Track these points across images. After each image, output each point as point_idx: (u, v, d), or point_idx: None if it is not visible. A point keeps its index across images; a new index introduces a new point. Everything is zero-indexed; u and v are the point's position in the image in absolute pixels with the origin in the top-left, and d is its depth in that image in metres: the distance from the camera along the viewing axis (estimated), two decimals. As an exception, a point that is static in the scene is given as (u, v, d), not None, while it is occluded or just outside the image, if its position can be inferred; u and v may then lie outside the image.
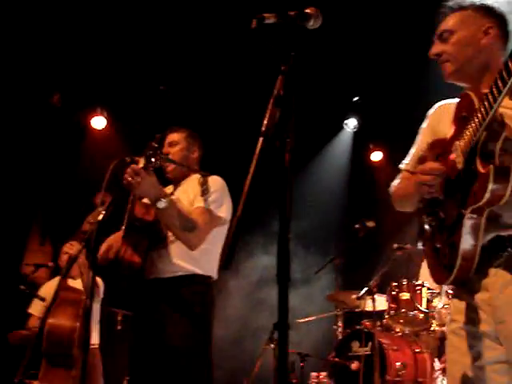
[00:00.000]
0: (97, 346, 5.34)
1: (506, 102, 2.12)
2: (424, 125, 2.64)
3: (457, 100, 2.36)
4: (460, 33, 2.39)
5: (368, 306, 5.81)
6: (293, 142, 1.78)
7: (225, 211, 3.61)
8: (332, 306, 6.66)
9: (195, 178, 3.71)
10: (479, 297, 2.18)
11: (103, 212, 3.28)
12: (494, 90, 1.94)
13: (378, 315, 5.68)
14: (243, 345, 7.63)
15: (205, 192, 3.54)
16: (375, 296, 5.65)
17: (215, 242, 3.60)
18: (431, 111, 2.66)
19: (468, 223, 2.05)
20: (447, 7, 2.45)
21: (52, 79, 7.58)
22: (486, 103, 1.99)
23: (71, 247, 4.86)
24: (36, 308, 5.78)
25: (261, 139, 1.74)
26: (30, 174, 7.93)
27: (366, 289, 5.58)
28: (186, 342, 3.38)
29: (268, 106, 1.80)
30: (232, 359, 7.25)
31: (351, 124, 8.49)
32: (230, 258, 1.62)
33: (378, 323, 5.69)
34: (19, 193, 7.92)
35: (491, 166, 1.96)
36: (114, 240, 3.64)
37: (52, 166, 8.11)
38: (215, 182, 3.69)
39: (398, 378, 5.34)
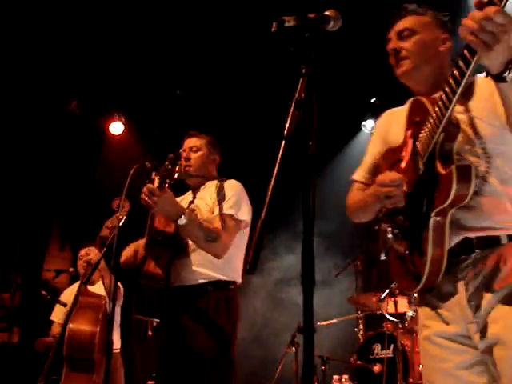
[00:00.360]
0: (118, 350, 5.37)
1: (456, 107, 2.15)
2: (373, 134, 2.66)
3: (405, 106, 2.43)
4: (423, 34, 2.40)
5: (390, 308, 5.77)
6: (315, 145, 1.77)
7: (245, 214, 3.62)
8: (353, 308, 6.62)
9: (212, 185, 3.74)
10: (447, 299, 2.18)
11: (122, 217, 3.30)
12: (447, 91, 1.98)
13: (399, 317, 5.64)
14: (265, 345, 7.64)
15: (223, 198, 3.57)
16: (397, 298, 5.62)
17: (238, 245, 3.61)
18: (379, 119, 2.70)
19: (434, 226, 2.06)
20: (405, 9, 2.47)
21: (70, 85, 7.65)
22: (440, 105, 2.02)
23: (90, 252, 4.88)
24: (58, 315, 5.82)
25: (283, 142, 1.73)
26: (49, 179, 8.01)
27: (387, 291, 5.55)
28: (210, 349, 3.38)
29: (289, 109, 1.79)
30: (254, 359, 7.26)
31: (369, 125, 8.46)
32: (255, 262, 1.61)
33: (400, 326, 5.64)
34: (39, 199, 7.99)
35: (453, 167, 1.98)
36: (140, 245, 3.66)
37: (71, 171, 8.18)
38: (232, 186, 3.71)
39: (421, 381, 5.30)
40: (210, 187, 3.76)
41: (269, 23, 1.97)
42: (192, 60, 7.08)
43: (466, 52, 1.84)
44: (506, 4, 1.69)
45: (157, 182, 3.32)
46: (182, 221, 3.30)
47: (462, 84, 1.89)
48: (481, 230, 2.11)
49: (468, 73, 1.85)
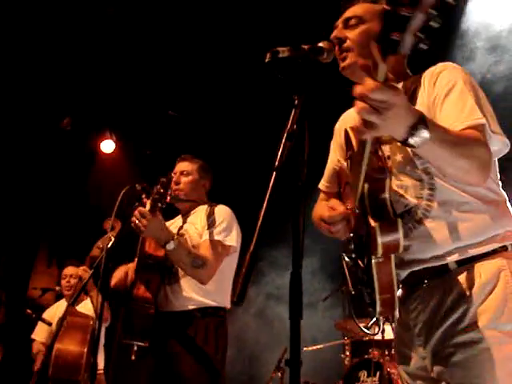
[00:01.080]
0: (102, 371, 5.31)
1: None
2: (333, 140, 2.54)
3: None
4: (371, 23, 2.20)
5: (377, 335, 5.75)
6: (305, 177, 1.77)
7: (234, 240, 3.62)
8: (339, 333, 6.59)
9: (203, 209, 3.74)
10: (406, 334, 2.12)
11: (113, 238, 3.31)
12: (359, 154, 1.89)
13: (386, 344, 5.62)
14: (253, 364, 7.59)
15: (212, 223, 3.58)
16: (384, 325, 5.59)
17: (227, 271, 3.62)
18: (336, 125, 2.53)
19: (377, 266, 1.93)
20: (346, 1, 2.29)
21: (62, 103, 7.63)
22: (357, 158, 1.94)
23: (84, 273, 4.85)
24: (40, 333, 5.76)
25: (274, 173, 1.72)
26: (38, 195, 7.97)
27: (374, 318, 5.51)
28: (199, 377, 3.36)
29: (281, 140, 1.79)
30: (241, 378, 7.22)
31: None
32: (242, 293, 1.60)
33: (387, 353, 5.62)
34: (28, 214, 7.95)
35: (376, 225, 1.88)
36: (130, 268, 3.65)
37: (61, 188, 8.15)
38: (221, 211, 3.72)
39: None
40: (201, 212, 3.76)
41: (264, 52, 1.98)
42: (186, 80, 7.10)
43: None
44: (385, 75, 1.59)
45: (148, 206, 3.33)
46: (171, 246, 3.31)
47: (367, 154, 1.83)
48: (426, 261, 2.02)
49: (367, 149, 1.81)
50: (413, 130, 1.66)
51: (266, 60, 1.95)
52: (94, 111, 7.79)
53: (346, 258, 2.22)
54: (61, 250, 8.31)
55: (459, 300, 1.93)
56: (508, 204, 2.10)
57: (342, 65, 2.22)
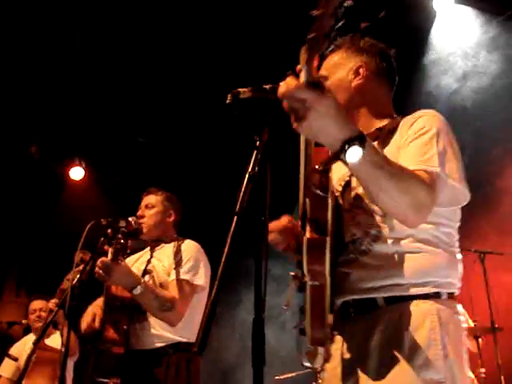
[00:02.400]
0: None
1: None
2: None
3: None
4: (333, 78, 2.24)
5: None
6: (268, 220, 1.76)
7: (202, 278, 3.58)
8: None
9: (170, 246, 3.71)
10: (329, 365, 2.05)
11: (78, 275, 3.27)
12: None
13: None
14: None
15: (179, 262, 3.54)
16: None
17: (196, 307, 3.57)
18: None
19: (310, 289, 1.90)
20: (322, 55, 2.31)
21: (30, 130, 7.56)
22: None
23: (54, 306, 4.77)
24: (6, 369, 5.62)
25: (235, 218, 1.70)
26: (6, 224, 7.84)
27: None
28: None
29: (242, 183, 1.77)
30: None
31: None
32: (203, 343, 1.57)
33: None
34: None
35: (304, 239, 1.84)
36: (96, 308, 3.59)
37: (29, 216, 8.04)
38: (189, 248, 3.68)
39: None
40: (168, 248, 3.72)
41: (225, 94, 1.97)
42: (155, 107, 7.10)
43: None
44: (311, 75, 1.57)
45: (110, 255, 3.30)
46: (137, 291, 3.30)
47: (303, 159, 1.84)
48: (359, 292, 1.99)
49: (302, 150, 1.81)
50: (346, 144, 1.59)
51: (227, 101, 1.94)
52: (64, 138, 7.73)
53: (295, 282, 2.15)
54: (30, 279, 8.18)
55: (383, 341, 1.90)
56: (459, 258, 2.08)
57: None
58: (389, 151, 2.04)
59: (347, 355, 2.00)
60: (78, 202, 8.02)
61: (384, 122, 2.21)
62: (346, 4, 1.56)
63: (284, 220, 2.20)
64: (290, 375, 6.25)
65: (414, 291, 1.94)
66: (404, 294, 1.94)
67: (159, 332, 3.49)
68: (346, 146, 1.58)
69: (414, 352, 1.84)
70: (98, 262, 3.25)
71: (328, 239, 1.85)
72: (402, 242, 1.99)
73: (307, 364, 2.07)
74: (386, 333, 1.91)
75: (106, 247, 3.39)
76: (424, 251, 1.98)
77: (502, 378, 5.24)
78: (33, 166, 7.89)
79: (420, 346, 1.85)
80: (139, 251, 3.92)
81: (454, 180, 1.93)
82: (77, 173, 8.20)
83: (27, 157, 7.85)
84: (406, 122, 2.10)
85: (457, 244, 2.11)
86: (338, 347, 2.03)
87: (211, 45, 6.11)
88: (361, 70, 2.24)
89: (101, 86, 6.83)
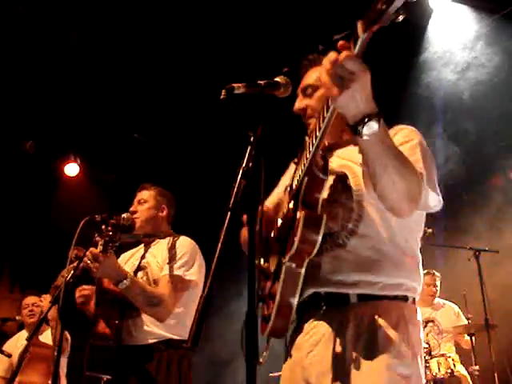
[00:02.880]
0: (65, 402, 5.19)
1: (352, 154, 2.13)
2: (286, 173, 2.57)
3: None
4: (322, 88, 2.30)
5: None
6: (261, 216, 1.75)
7: (195, 274, 3.56)
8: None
9: (165, 242, 3.69)
10: (294, 356, 2.11)
11: (71, 272, 3.27)
12: (313, 135, 1.93)
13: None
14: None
15: (173, 257, 3.52)
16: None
17: (189, 304, 3.54)
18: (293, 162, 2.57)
19: (286, 272, 1.97)
20: (308, 61, 2.38)
21: (25, 126, 7.54)
22: (307, 145, 1.98)
23: (47, 303, 4.76)
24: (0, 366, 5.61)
25: (228, 213, 1.70)
26: (0, 220, 7.83)
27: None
28: None
29: (236, 178, 1.76)
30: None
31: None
32: (197, 337, 1.57)
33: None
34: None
35: (302, 213, 1.91)
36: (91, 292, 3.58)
37: (24, 212, 8.02)
38: (183, 244, 3.65)
39: None
40: (163, 244, 3.70)
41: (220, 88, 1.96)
42: (151, 104, 7.09)
43: (329, 100, 1.77)
44: (361, 50, 1.60)
45: (100, 247, 3.30)
46: (123, 285, 3.29)
47: (322, 128, 1.85)
48: (331, 284, 2.04)
49: (326, 118, 1.82)
50: (366, 118, 1.68)
51: (221, 97, 1.93)
52: (59, 134, 7.71)
53: (262, 264, 2.25)
54: (24, 275, 8.17)
55: (355, 338, 1.96)
56: (420, 266, 2.17)
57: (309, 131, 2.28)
58: None
59: (316, 346, 2.03)
60: (72, 199, 8.00)
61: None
62: None
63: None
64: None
65: (384, 291, 2.03)
66: (376, 294, 2.02)
67: (151, 329, 3.47)
68: (366, 119, 1.68)
69: (387, 348, 1.93)
70: (88, 253, 3.24)
71: (325, 217, 1.93)
72: (374, 242, 2.07)
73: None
74: (360, 328, 1.98)
75: (96, 238, 3.38)
76: (394, 254, 2.08)
77: (496, 375, 5.26)
78: (28, 162, 7.86)
79: (392, 342, 1.95)
80: (134, 247, 3.90)
81: (431, 187, 2.00)
82: (72, 169, 8.18)
83: (22, 153, 7.82)
84: (392, 130, 2.17)
85: (419, 255, 2.20)
86: (306, 338, 2.07)
87: (205, 41, 6.09)
88: None
89: (96, 82, 6.82)
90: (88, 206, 7.30)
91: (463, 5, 6.32)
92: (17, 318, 5.91)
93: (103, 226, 3.37)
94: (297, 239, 1.90)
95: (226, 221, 1.68)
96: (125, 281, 3.29)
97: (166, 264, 3.53)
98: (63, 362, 5.11)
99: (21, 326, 6.06)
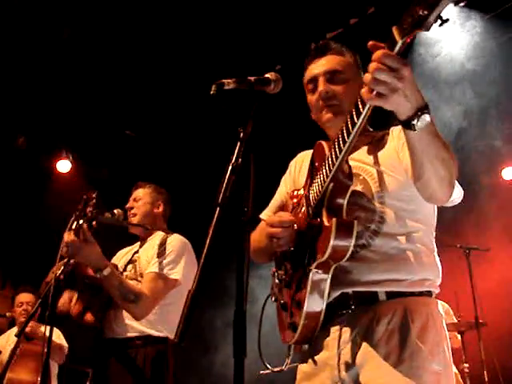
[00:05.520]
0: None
1: (364, 155, 2.15)
2: (286, 174, 2.59)
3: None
4: (351, 78, 2.30)
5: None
6: (251, 212, 1.75)
7: (180, 273, 3.54)
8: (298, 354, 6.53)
9: (159, 237, 3.69)
10: (320, 356, 2.09)
11: (59, 268, 3.26)
12: (339, 140, 1.90)
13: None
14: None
15: (162, 253, 3.52)
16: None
17: (173, 302, 3.53)
18: (293, 160, 2.60)
19: (313, 279, 1.98)
20: (328, 46, 2.36)
21: (17, 122, 7.51)
22: (332, 154, 1.95)
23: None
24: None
25: (217, 209, 1.70)
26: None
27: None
28: None
29: (225, 174, 1.76)
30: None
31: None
32: (183, 333, 1.57)
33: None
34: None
35: (334, 220, 1.90)
36: (74, 295, 3.58)
37: (16, 208, 8.00)
38: (173, 242, 3.65)
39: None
40: (156, 238, 3.71)
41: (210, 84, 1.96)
42: (142, 100, 7.07)
43: (358, 101, 1.75)
44: (402, 47, 1.55)
45: (74, 225, 3.28)
46: (102, 274, 3.28)
47: (352, 135, 1.82)
48: (359, 284, 2.05)
49: (358, 124, 1.78)
50: (419, 112, 1.66)
51: (211, 92, 1.92)
52: (51, 131, 7.68)
53: (276, 280, 2.26)
54: (15, 272, 8.15)
55: (389, 333, 1.97)
56: (438, 259, 2.19)
57: (328, 117, 2.28)
58: (386, 154, 2.17)
59: (347, 344, 2.03)
60: (64, 195, 7.93)
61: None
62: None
63: (286, 214, 2.22)
64: (275, 369, 6.23)
65: (411, 288, 2.05)
66: (404, 290, 2.04)
67: (131, 322, 3.46)
68: (419, 113, 1.65)
69: (420, 345, 1.95)
70: (65, 237, 3.23)
71: (356, 222, 1.93)
72: (398, 240, 2.08)
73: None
74: (391, 325, 1.98)
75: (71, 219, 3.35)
76: (418, 250, 2.10)
77: (485, 372, 5.28)
78: (19, 159, 7.84)
79: (424, 339, 1.96)
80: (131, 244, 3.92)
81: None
82: (64, 165, 8.14)
83: (14, 149, 7.80)
84: (395, 130, 2.21)
85: (435, 247, 2.22)
86: (335, 338, 2.06)
87: (196, 37, 6.07)
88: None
89: (88, 78, 6.79)
90: (79, 203, 7.29)
91: (459, 5, 6.31)
92: (7, 314, 5.89)
93: (79, 206, 3.34)
94: (329, 246, 1.89)
95: (215, 216, 1.68)
96: (104, 270, 3.27)
97: (153, 259, 3.52)
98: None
99: (11, 323, 6.04)
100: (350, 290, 2.06)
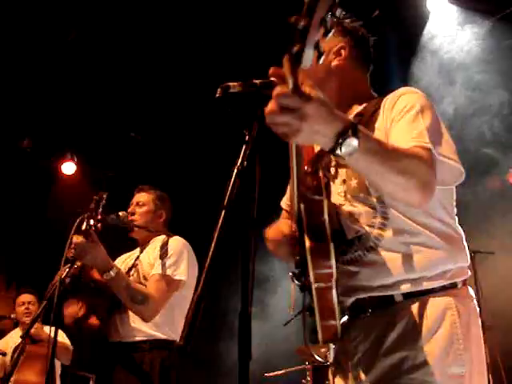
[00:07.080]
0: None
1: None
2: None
3: None
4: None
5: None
6: (255, 216, 1.75)
7: (184, 273, 3.55)
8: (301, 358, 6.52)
9: (159, 240, 3.68)
10: (343, 358, 2.05)
11: (65, 271, 3.26)
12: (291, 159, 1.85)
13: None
14: None
15: (163, 255, 3.52)
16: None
17: (178, 304, 3.54)
18: None
19: (317, 293, 1.89)
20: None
21: (22, 123, 7.53)
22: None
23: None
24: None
25: (222, 212, 1.70)
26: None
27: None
28: None
29: (231, 177, 1.76)
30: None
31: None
32: (189, 337, 1.56)
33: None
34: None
35: (308, 247, 1.83)
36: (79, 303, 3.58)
37: (21, 209, 8.01)
38: (175, 243, 3.65)
39: None
40: (157, 242, 3.71)
41: (215, 87, 1.96)
42: (148, 103, 7.08)
43: None
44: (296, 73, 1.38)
45: (84, 227, 3.29)
46: (108, 275, 3.28)
47: (294, 164, 1.80)
48: (373, 290, 1.97)
49: (294, 155, 1.77)
50: (340, 138, 1.50)
51: (217, 95, 1.93)
52: (56, 133, 7.70)
53: (296, 282, 2.11)
54: (20, 274, 8.16)
55: (404, 337, 1.89)
56: (464, 241, 2.06)
57: None
58: (376, 135, 1.97)
59: (364, 349, 1.98)
60: (69, 197, 7.97)
61: (364, 105, 2.18)
62: (336, 14, 1.37)
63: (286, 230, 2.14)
64: (279, 372, 6.24)
65: (429, 285, 1.93)
66: (420, 289, 1.93)
67: (137, 325, 3.46)
68: (340, 140, 1.50)
69: (438, 348, 1.85)
70: (74, 240, 3.23)
71: (332, 245, 1.84)
72: (406, 235, 1.97)
73: (319, 359, 2.09)
74: (408, 327, 1.90)
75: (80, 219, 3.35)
76: (431, 242, 1.96)
77: (490, 376, 5.26)
78: (24, 160, 7.86)
79: (443, 341, 1.86)
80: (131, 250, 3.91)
81: (445, 156, 1.91)
82: (68, 167, 8.18)
83: (19, 150, 7.82)
84: (387, 101, 2.06)
85: (460, 229, 2.08)
86: (353, 342, 2.01)
87: (202, 40, 6.09)
88: (342, 51, 2.23)
89: (94, 81, 6.81)
90: (84, 205, 7.29)
91: (460, 7, 6.32)
92: (12, 316, 5.89)
93: (90, 207, 3.34)
94: (310, 269, 1.84)
95: (221, 220, 1.68)
96: (111, 271, 3.27)
97: (156, 261, 3.52)
98: (57, 362, 5.09)
99: (16, 325, 6.05)
100: (365, 296, 1.99)
